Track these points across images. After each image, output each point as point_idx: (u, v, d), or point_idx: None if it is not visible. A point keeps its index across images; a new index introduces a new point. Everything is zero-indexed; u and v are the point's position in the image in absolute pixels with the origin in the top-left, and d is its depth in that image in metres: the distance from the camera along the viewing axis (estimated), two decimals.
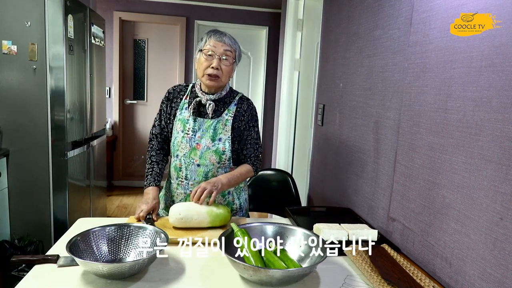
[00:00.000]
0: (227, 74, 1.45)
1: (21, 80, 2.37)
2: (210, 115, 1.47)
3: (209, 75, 1.41)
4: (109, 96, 4.48)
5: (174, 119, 1.52)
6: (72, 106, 2.56)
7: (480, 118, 0.99)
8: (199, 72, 1.45)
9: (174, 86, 1.57)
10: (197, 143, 1.47)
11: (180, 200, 1.53)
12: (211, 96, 1.47)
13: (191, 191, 1.49)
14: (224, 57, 1.42)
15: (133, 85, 4.66)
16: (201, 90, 1.49)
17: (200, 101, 1.48)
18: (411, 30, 1.33)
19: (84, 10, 2.73)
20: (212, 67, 1.40)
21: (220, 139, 1.47)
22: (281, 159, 3.15)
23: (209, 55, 1.41)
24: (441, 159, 1.14)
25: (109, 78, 4.34)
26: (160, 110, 1.56)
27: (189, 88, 1.55)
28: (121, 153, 4.69)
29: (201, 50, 1.44)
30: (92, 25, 2.88)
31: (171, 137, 1.53)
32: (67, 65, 2.45)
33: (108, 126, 4.32)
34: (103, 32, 3.19)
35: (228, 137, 1.48)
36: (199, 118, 1.48)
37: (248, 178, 1.72)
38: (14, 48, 2.34)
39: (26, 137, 2.42)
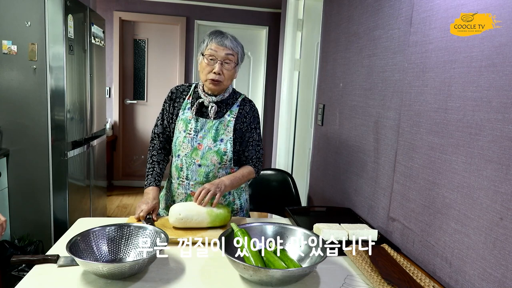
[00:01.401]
0: (229, 78, 1.45)
1: (21, 80, 2.37)
2: (212, 117, 1.47)
3: (211, 79, 1.42)
4: (109, 96, 4.48)
5: (176, 119, 1.52)
6: (72, 106, 2.56)
7: (480, 118, 0.99)
8: (202, 76, 1.45)
9: (177, 86, 1.58)
10: (198, 143, 1.47)
11: (180, 200, 1.53)
12: (214, 98, 1.47)
13: (192, 191, 1.50)
14: (226, 61, 1.41)
15: (133, 85, 4.66)
16: (203, 91, 1.50)
17: (202, 102, 1.48)
18: (411, 30, 1.33)
19: (84, 10, 2.73)
20: (214, 72, 1.40)
21: (222, 140, 1.47)
22: (281, 159, 3.14)
23: (211, 59, 1.41)
24: (441, 159, 1.14)
25: (109, 78, 4.34)
26: (163, 109, 1.56)
27: (192, 88, 1.55)
28: (121, 153, 4.69)
29: (202, 54, 1.44)
30: (92, 25, 2.88)
31: (173, 136, 1.53)
32: (67, 65, 2.45)
33: (108, 126, 4.32)
34: (103, 32, 3.19)
35: (230, 138, 1.48)
36: (201, 119, 1.48)
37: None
38: (14, 48, 2.34)
39: (26, 137, 2.42)
